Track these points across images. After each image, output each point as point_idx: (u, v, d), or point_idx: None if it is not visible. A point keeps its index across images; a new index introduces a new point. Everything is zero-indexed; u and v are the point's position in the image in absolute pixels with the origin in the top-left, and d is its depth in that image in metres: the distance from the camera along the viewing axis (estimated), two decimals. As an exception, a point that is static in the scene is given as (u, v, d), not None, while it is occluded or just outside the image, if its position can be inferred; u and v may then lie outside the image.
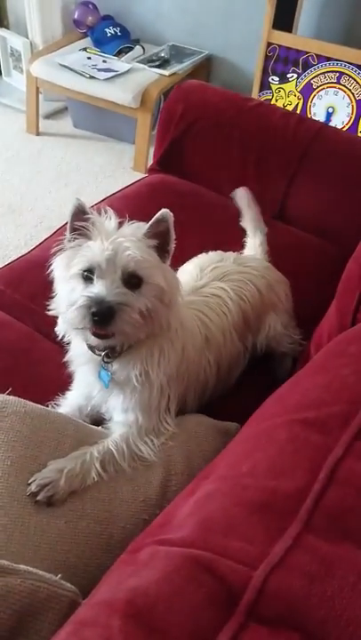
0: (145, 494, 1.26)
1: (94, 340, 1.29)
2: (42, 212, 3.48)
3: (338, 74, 3.42)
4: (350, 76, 3.39)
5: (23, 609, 0.83)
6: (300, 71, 3.52)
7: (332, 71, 3.44)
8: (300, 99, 3.59)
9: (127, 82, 3.69)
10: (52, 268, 1.38)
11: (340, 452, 0.69)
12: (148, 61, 3.89)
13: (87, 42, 4.10)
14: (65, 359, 1.52)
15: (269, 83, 3.65)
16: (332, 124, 3.46)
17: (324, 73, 3.46)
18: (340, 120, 3.52)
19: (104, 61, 3.87)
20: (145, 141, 3.75)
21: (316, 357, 1.06)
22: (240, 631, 0.53)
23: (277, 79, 3.61)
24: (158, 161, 2.58)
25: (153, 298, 1.29)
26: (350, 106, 3.46)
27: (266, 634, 0.53)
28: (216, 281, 1.68)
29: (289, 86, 3.59)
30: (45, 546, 1.12)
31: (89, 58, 3.90)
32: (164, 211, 1.30)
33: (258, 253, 1.91)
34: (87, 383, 1.47)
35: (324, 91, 3.51)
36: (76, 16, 4.14)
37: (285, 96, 3.62)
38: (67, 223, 1.35)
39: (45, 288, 1.44)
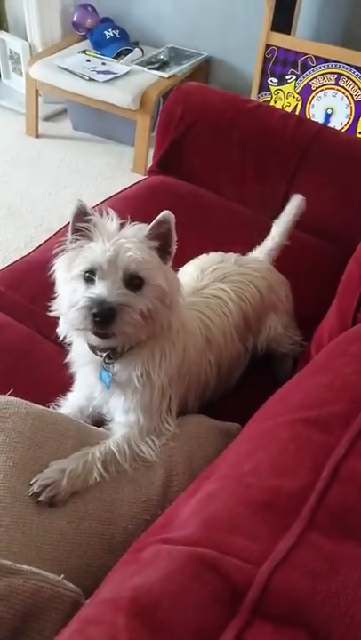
0: (147, 494, 1.27)
1: (95, 340, 1.29)
2: (41, 213, 3.49)
3: (336, 75, 3.43)
4: (349, 78, 3.40)
5: (26, 609, 0.83)
6: (298, 73, 3.53)
7: (330, 73, 3.45)
8: (298, 100, 3.60)
9: (126, 84, 3.69)
10: (53, 269, 1.38)
11: (343, 451, 0.69)
12: (148, 63, 3.90)
13: (86, 44, 4.10)
14: (66, 360, 1.52)
15: (268, 84, 3.65)
16: (330, 125, 3.47)
17: (322, 74, 3.47)
18: (339, 121, 3.52)
19: (103, 64, 3.88)
20: (144, 143, 3.76)
21: (317, 357, 1.07)
22: (245, 628, 0.53)
23: (276, 81, 3.62)
24: (158, 162, 2.58)
25: (154, 299, 1.29)
26: (349, 107, 3.46)
27: (270, 631, 0.53)
28: (217, 282, 1.68)
29: (288, 88, 3.60)
30: (48, 546, 1.12)
31: (88, 60, 3.91)
32: (165, 212, 1.31)
33: (264, 256, 1.90)
34: (88, 384, 1.47)
35: (322, 92, 3.52)
36: (75, 19, 4.15)
37: (284, 97, 3.63)
38: (67, 225, 1.36)
39: (45, 290, 1.44)
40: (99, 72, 3.78)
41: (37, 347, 1.81)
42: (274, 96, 3.66)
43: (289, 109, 3.62)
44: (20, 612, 0.82)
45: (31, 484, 1.17)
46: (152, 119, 3.69)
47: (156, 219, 1.31)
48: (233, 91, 3.11)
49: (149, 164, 2.76)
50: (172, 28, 4.13)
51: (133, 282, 1.27)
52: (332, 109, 3.54)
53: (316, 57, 3.46)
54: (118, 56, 3.98)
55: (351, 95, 3.43)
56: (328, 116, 3.56)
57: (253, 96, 3.69)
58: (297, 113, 3.58)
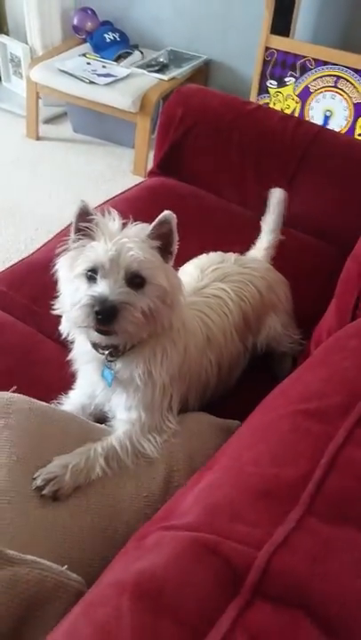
0: (148, 490, 1.28)
1: (97, 337, 1.31)
2: (42, 215, 3.51)
3: (335, 78, 3.45)
4: (347, 80, 3.42)
5: (31, 598, 0.85)
6: (297, 75, 3.55)
7: (329, 75, 3.47)
8: (297, 102, 3.62)
9: (126, 86, 3.72)
10: (56, 268, 1.40)
11: (341, 440, 0.71)
12: (147, 66, 3.92)
13: (86, 47, 4.13)
14: (68, 358, 1.54)
15: (267, 87, 3.68)
16: (329, 127, 3.49)
17: (321, 77, 3.49)
18: (338, 123, 3.54)
19: (103, 66, 3.90)
20: (144, 145, 3.78)
21: (316, 352, 1.09)
22: (246, 608, 0.55)
23: (275, 83, 3.64)
24: (158, 164, 2.60)
25: (155, 298, 1.31)
26: (347, 109, 3.49)
27: (270, 610, 0.55)
28: (217, 282, 1.70)
29: (287, 90, 3.62)
30: (51, 539, 1.14)
31: (88, 63, 3.93)
32: (167, 212, 1.32)
33: (261, 256, 1.92)
34: (90, 382, 1.49)
35: (321, 94, 3.54)
36: (75, 22, 4.17)
37: (283, 100, 3.65)
38: (68, 226, 1.38)
39: (46, 290, 1.46)
40: (99, 75, 3.80)
41: (39, 346, 1.82)
42: (273, 98, 3.68)
43: (288, 111, 3.64)
44: (24, 601, 0.84)
45: (34, 479, 1.19)
46: (152, 121, 3.71)
47: (158, 218, 1.33)
48: (232, 93, 3.12)
49: (150, 166, 2.78)
50: (172, 31, 4.15)
51: (135, 281, 1.28)
52: (330, 111, 3.56)
53: (314, 59, 3.48)
54: (118, 59, 4.00)
55: (350, 97, 3.46)
56: (327, 119, 3.58)
57: (253, 98, 3.71)
58: (296, 115, 3.61)
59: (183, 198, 2.39)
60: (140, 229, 1.33)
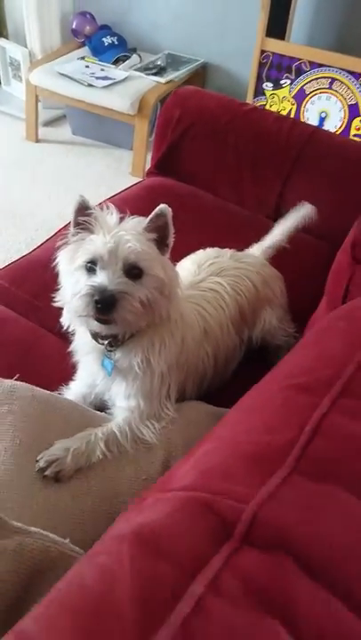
0: (147, 473, 1.33)
1: (97, 327, 1.36)
2: (42, 216, 3.55)
3: (330, 79, 3.51)
4: (342, 82, 3.48)
5: (36, 566, 0.89)
6: (293, 77, 3.61)
7: (324, 77, 3.52)
8: (293, 104, 3.67)
9: (125, 89, 3.77)
10: (56, 261, 1.44)
11: (325, 409, 0.76)
12: (145, 69, 3.97)
13: (85, 51, 4.18)
14: (69, 350, 1.59)
15: (263, 89, 3.73)
16: (325, 128, 3.54)
17: (316, 79, 3.55)
18: (333, 124, 3.60)
19: (102, 70, 3.95)
20: (143, 147, 3.83)
21: (308, 334, 1.14)
22: (234, 553, 0.60)
23: (271, 85, 3.69)
24: (156, 164, 2.65)
25: (153, 289, 1.35)
26: (342, 110, 3.54)
27: (256, 555, 0.60)
28: (213, 276, 1.74)
29: (283, 92, 3.67)
30: (53, 521, 1.17)
31: (87, 66, 3.99)
32: (162, 206, 1.37)
33: (260, 252, 1.97)
34: (91, 372, 1.54)
35: (316, 96, 3.60)
36: (73, 26, 4.23)
37: (279, 102, 3.71)
38: (67, 225, 1.42)
39: (47, 286, 1.50)
40: (97, 78, 3.85)
41: (40, 340, 1.87)
42: (269, 100, 3.74)
43: (284, 113, 3.69)
44: (29, 569, 0.89)
45: (37, 461, 1.24)
46: (150, 124, 3.76)
47: (154, 212, 1.37)
48: (229, 95, 3.17)
49: (148, 167, 2.82)
50: (169, 35, 4.21)
51: (133, 272, 1.33)
52: (326, 113, 3.61)
53: (310, 62, 3.53)
54: (116, 62, 4.05)
55: (345, 99, 3.51)
56: (322, 120, 3.64)
57: (249, 100, 3.77)
58: (292, 116, 3.66)
59: (181, 197, 2.43)
60: (137, 223, 1.38)
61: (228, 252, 1.86)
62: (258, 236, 2.06)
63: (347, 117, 3.55)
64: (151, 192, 2.48)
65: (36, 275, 2.03)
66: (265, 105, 3.75)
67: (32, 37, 4.26)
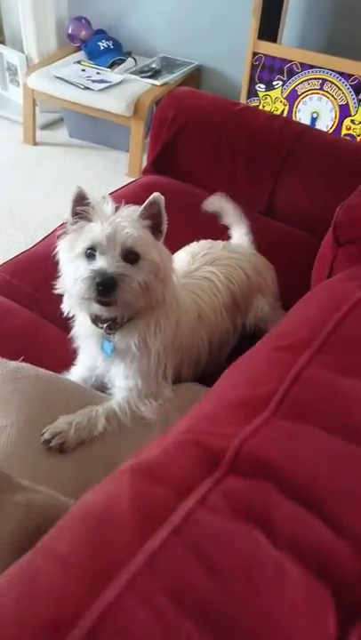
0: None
1: (99, 309, 1.43)
2: (41, 217, 3.62)
3: (321, 81, 3.59)
4: (333, 83, 3.56)
5: (45, 522, 0.96)
6: (285, 79, 3.68)
7: (315, 78, 3.60)
8: (285, 105, 3.75)
9: (120, 92, 3.83)
10: (57, 250, 1.52)
11: (303, 364, 0.85)
12: (140, 72, 4.04)
13: (81, 55, 4.24)
14: (69, 336, 1.66)
15: (256, 90, 3.81)
16: (317, 128, 3.62)
17: (307, 80, 3.62)
18: (325, 124, 3.68)
19: (98, 73, 4.02)
20: (139, 148, 3.90)
21: (294, 307, 1.22)
22: (221, 479, 0.68)
23: (264, 87, 3.77)
24: (152, 163, 2.71)
25: (149, 272, 1.43)
26: (333, 111, 3.62)
27: (241, 480, 0.68)
28: (207, 265, 1.82)
29: (275, 93, 3.75)
30: (57, 488, 1.24)
31: (83, 70, 4.05)
32: (155, 194, 1.46)
33: (244, 242, 2.05)
34: (91, 355, 1.61)
35: (308, 97, 3.67)
36: (69, 31, 4.29)
37: (272, 102, 3.78)
38: (66, 222, 1.51)
39: (48, 279, 1.58)
40: (94, 81, 3.92)
41: (42, 330, 1.93)
42: (262, 101, 3.82)
43: (277, 114, 3.76)
44: (38, 524, 0.95)
45: (42, 434, 1.31)
46: (146, 126, 3.83)
47: (147, 200, 1.46)
48: (223, 97, 3.26)
49: (144, 167, 2.89)
50: (164, 39, 4.27)
51: (130, 257, 1.41)
52: (317, 113, 3.69)
53: (301, 63, 3.61)
54: (112, 66, 4.11)
55: (335, 99, 3.59)
56: (314, 120, 3.71)
57: (242, 102, 3.83)
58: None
59: (177, 195, 2.48)
60: (132, 211, 1.47)
61: (220, 243, 1.94)
62: (251, 232, 2.13)
63: (338, 117, 3.62)
64: (147, 190, 2.50)
65: (36, 269, 2.10)
66: (258, 106, 3.82)
67: (29, 42, 4.32)
